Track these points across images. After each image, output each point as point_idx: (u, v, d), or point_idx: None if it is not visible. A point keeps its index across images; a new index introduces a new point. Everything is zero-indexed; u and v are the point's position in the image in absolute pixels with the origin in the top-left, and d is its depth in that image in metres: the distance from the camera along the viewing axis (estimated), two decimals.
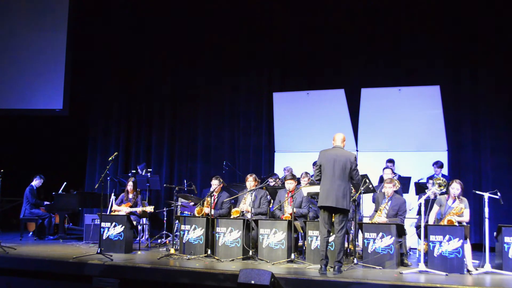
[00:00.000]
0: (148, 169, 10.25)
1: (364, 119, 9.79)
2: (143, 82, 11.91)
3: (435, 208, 6.63)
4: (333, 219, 6.06)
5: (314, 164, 8.98)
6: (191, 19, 11.46)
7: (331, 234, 6.15)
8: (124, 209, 8.11)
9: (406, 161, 9.38)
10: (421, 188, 8.40)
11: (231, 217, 7.41)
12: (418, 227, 6.87)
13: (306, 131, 10.13)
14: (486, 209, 6.21)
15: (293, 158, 10.08)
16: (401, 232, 6.59)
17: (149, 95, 11.87)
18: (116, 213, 8.09)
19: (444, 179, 6.54)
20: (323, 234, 6.00)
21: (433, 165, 8.73)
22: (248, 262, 6.69)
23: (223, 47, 11.30)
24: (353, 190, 7.03)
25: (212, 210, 7.34)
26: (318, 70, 10.63)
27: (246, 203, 7.57)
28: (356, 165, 6.06)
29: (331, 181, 5.96)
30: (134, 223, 7.83)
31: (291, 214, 6.83)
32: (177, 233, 7.70)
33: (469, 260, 6.27)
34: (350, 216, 7.07)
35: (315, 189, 6.58)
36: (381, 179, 8.36)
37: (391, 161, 9.01)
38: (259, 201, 7.54)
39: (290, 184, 7.39)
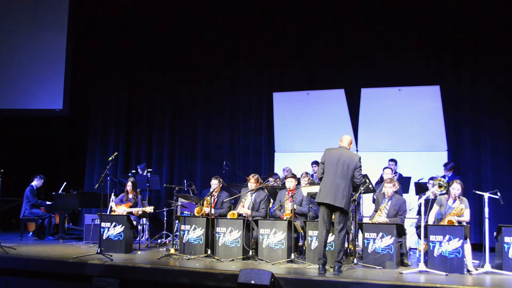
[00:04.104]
0: (149, 169, 10.25)
1: (364, 119, 9.79)
2: (144, 82, 11.91)
3: (435, 208, 6.63)
4: (332, 219, 6.06)
5: (313, 163, 9.05)
6: (191, 19, 11.47)
7: (331, 233, 6.15)
8: (121, 210, 8.10)
9: (406, 161, 9.38)
10: (421, 188, 8.40)
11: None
12: (418, 227, 6.87)
13: (306, 131, 10.14)
14: (486, 209, 6.21)
15: (293, 158, 10.09)
16: (401, 232, 6.59)
17: (149, 95, 11.86)
18: (116, 212, 8.09)
19: (444, 180, 6.53)
20: (321, 233, 5.99)
21: (443, 165, 8.69)
22: (248, 262, 6.69)
23: (223, 47, 11.31)
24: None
25: (212, 210, 7.33)
26: (318, 70, 10.63)
27: (245, 206, 7.55)
28: (360, 166, 6.04)
29: (332, 180, 5.95)
30: (134, 223, 7.83)
31: (291, 211, 6.82)
32: (177, 233, 7.69)
33: (469, 260, 6.27)
34: (350, 215, 7.08)
35: (315, 189, 6.56)
36: (381, 179, 8.35)
37: (393, 160, 9.01)
38: (258, 204, 7.49)
39: (290, 183, 7.38)
